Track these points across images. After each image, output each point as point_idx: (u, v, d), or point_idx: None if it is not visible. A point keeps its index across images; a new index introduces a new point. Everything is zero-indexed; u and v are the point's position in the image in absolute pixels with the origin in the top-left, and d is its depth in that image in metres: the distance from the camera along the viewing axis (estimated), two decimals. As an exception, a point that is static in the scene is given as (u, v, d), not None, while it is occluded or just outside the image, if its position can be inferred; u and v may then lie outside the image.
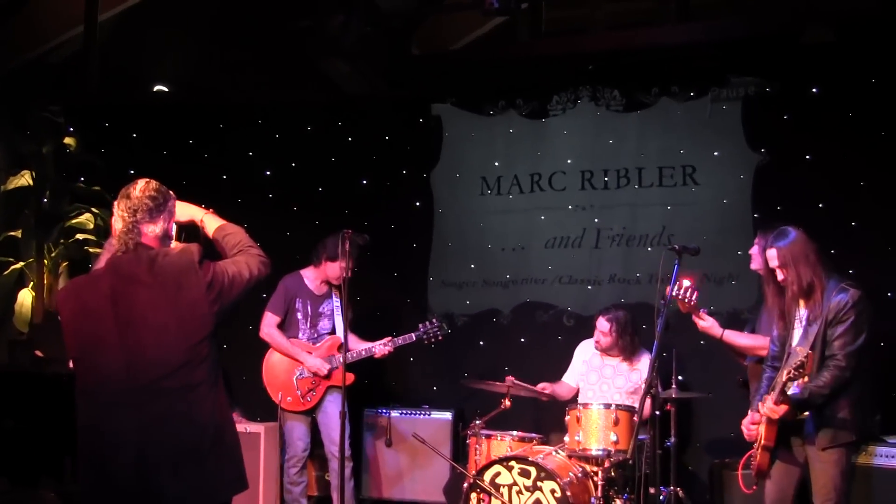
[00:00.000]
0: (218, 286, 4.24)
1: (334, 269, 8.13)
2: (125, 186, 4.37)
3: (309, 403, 8.11)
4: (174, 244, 4.52)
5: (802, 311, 5.82)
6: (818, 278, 5.70)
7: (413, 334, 8.29)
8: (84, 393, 4.27)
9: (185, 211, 4.67)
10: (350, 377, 8.06)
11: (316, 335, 8.27)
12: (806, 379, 5.34)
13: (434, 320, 8.43)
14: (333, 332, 8.32)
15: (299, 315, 8.24)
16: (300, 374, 8.10)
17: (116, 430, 4.12)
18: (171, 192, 4.45)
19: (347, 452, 7.98)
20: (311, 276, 8.36)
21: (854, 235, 8.35)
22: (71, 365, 8.63)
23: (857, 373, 5.61)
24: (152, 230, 4.32)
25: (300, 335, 8.24)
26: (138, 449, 4.09)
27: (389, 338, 8.27)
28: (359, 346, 8.26)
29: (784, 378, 5.42)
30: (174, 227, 4.57)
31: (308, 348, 8.17)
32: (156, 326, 4.15)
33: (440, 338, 8.35)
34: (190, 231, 4.68)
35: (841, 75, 8.56)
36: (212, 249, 4.55)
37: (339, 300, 8.32)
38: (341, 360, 7.94)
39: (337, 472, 7.73)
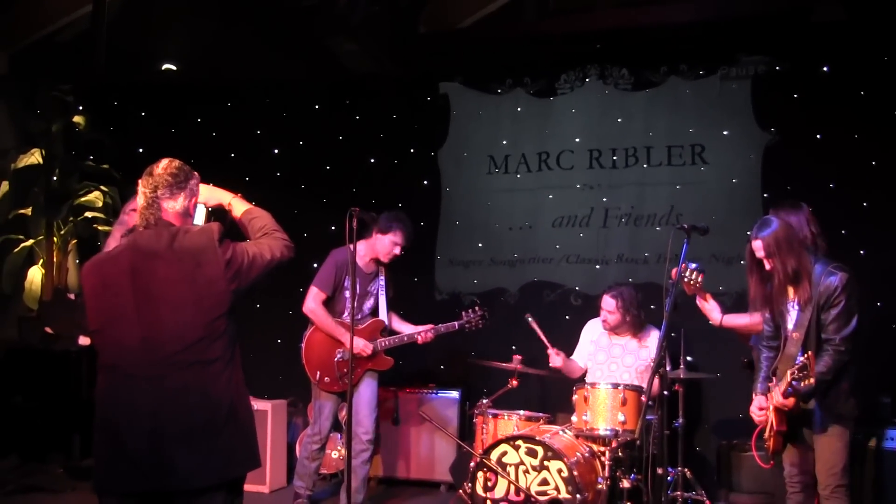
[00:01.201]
0: (236, 265, 4.29)
1: (384, 244, 7.95)
2: (150, 165, 4.43)
3: (346, 385, 7.99)
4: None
5: (792, 297, 5.86)
6: (803, 265, 5.75)
7: (456, 323, 8.19)
8: (103, 365, 4.31)
9: (214, 195, 4.76)
10: (389, 361, 8.05)
11: (360, 315, 8.07)
12: (811, 381, 5.37)
13: (477, 308, 8.30)
14: (376, 312, 8.17)
15: (348, 294, 7.93)
16: (341, 356, 7.95)
17: (132, 402, 4.16)
18: (194, 172, 4.50)
19: (370, 436, 7.95)
20: (360, 252, 8.05)
21: (865, 216, 8.34)
22: (81, 341, 8.72)
23: (855, 354, 5.68)
24: (172, 206, 4.37)
25: (346, 314, 7.94)
26: (153, 422, 4.12)
27: (432, 325, 8.18)
28: (403, 331, 8.17)
29: (789, 378, 5.47)
30: (203, 208, 4.68)
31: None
32: (173, 301, 4.20)
33: (481, 326, 8.29)
34: (218, 215, 4.72)
35: (852, 54, 8.52)
36: (239, 234, 4.59)
37: (384, 279, 8.22)
38: (383, 343, 7.96)
39: (356, 452, 7.72)
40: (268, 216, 4.69)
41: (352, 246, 7.14)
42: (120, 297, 4.22)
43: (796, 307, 5.83)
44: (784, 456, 5.97)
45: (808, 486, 5.89)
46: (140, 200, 4.37)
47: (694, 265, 6.44)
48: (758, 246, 5.86)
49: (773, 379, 5.84)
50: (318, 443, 8.03)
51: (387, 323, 8.14)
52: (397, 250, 7.95)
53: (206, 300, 4.21)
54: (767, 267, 5.84)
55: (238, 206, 4.75)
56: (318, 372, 7.95)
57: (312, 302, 7.97)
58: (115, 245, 4.52)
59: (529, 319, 8.06)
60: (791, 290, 5.84)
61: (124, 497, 4.19)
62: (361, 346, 7.87)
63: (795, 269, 5.73)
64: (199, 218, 4.64)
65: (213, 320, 4.21)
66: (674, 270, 6.28)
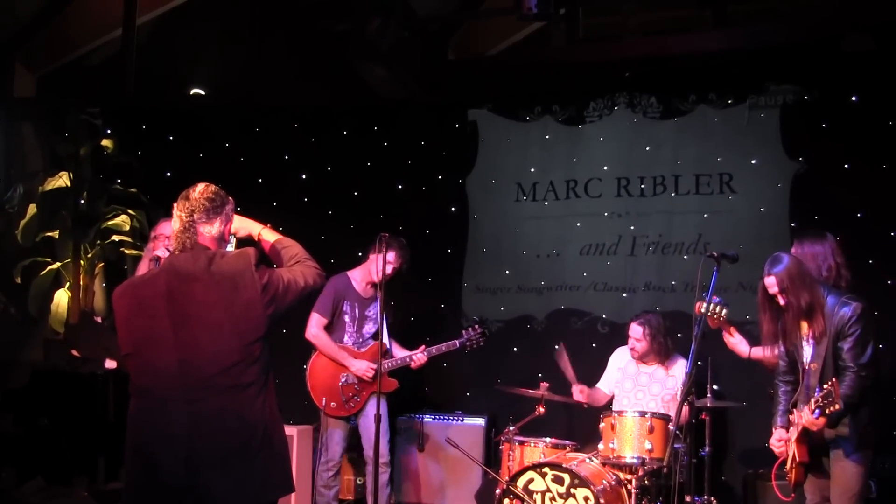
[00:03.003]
0: (273, 290, 4.32)
1: (379, 265, 8.04)
2: (185, 189, 4.47)
3: (352, 409, 8.07)
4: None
5: (805, 331, 5.97)
6: (816, 298, 5.85)
7: (457, 341, 8.27)
8: (136, 389, 4.32)
9: (244, 225, 4.80)
10: (394, 383, 8.08)
11: (361, 339, 8.21)
12: (837, 407, 5.44)
13: (477, 327, 8.39)
14: (377, 335, 8.25)
15: (347, 318, 8.16)
16: (345, 381, 8.05)
17: (167, 426, 4.18)
18: (230, 198, 4.55)
19: (386, 458, 7.99)
20: (357, 278, 8.28)
21: (892, 246, 8.31)
22: (108, 364, 8.73)
23: (876, 380, 5.81)
24: (209, 231, 4.41)
25: (346, 338, 8.16)
26: (188, 446, 4.14)
27: (423, 346, 8.25)
28: (399, 354, 8.25)
29: (814, 406, 5.57)
30: (233, 238, 4.72)
31: (353, 353, 8.12)
32: (210, 324, 4.22)
33: (481, 343, 8.35)
34: (246, 245, 4.74)
35: (880, 84, 8.50)
36: (268, 264, 4.61)
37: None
38: (387, 365, 7.97)
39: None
40: (298, 245, 4.74)
41: (381, 267, 7.21)
42: (156, 320, 4.23)
43: (811, 341, 5.95)
44: (806, 487, 6.04)
45: None
46: (175, 224, 4.40)
47: (717, 299, 6.45)
48: (771, 282, 5.96)
49: (794, 411, 5.91)
50: (331, 469, 8.09)
51: (388, 347, 8.17)
52: (389, 269, 7.88)
53: (243, 324, 4.23)
54: (781, 302, 5.94)
55: (268, 236, 4.79)
56: (323, 398, 8.06)
57: (314, 328, 8.10)
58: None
59: (558, 348, 8.05)
60: (805, 325, 5.95)
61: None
62: (364, 367, 7.99)
63: (809, 303, 5.83)
64: (229, 247, 4.66)
65: (249, 344, 4.24)
66: (697, 305, 6.29)
